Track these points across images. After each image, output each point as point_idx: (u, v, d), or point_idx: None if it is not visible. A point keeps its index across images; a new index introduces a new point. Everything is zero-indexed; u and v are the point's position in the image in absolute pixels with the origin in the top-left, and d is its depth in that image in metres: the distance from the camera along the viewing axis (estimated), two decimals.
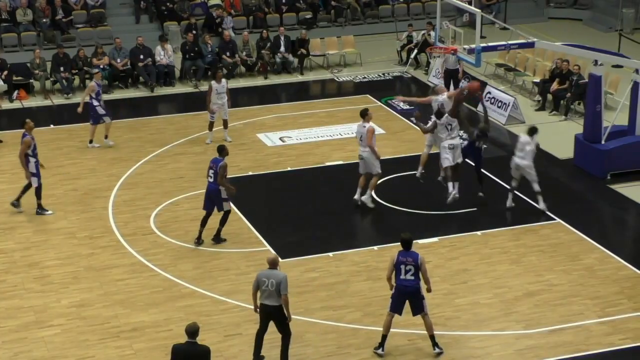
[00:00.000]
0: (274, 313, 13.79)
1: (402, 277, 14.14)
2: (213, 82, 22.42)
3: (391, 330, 14.99)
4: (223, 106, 22.38)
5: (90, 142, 22.48)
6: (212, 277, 16.76)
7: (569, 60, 24.95)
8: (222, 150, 17.71)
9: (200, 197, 19.92)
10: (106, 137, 22.60)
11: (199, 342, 12.18)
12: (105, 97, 26.07)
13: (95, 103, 22.32)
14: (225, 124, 22.66)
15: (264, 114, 24.88)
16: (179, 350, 12.19)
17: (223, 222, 17.88)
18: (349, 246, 17.89)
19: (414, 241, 17.69)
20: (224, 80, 22.56)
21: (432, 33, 26.98)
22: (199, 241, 17.80)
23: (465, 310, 15.78)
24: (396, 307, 14.29)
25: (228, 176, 17.67)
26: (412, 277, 14.10)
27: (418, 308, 14.29)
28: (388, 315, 14.36)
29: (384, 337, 14.41)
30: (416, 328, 15.18)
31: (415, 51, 28.49)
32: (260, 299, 13.81)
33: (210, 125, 22.61)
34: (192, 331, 12.12)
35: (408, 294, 14.20)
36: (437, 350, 14.48)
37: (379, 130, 22.94)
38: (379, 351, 14.44)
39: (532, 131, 18.93)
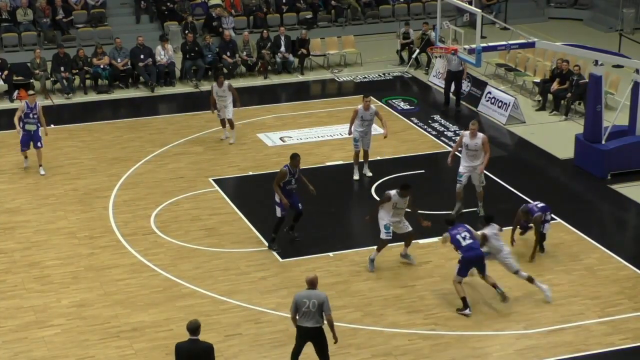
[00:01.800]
0: (313, 335, 13.38)
1: (464, 244, 15.52)
2: (214, 85, 22.35)
3: (391, 330, 15.05)
4: (226, 107, 22.28)
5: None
6: (212, 277, 16.76)
7: (569, 60, 24.95)
8: (292, 158, 17.58)
9: (201, 197, 19.96)
10: (40, 165, 21.01)
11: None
12: (106, 97, 26.13)
13: (20, 125, 20.74)
14: (230, 123, 22.53)
15: (264, 114, 24.87)
16: (182, 348, 12.19)
17: (274, 228, 17.64)
18: (349, 246, 17.89)
19: (416, 240, 17.84)
20: (225, 83, 22.28)
21: (432, 33, 27.00)
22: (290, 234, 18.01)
23: None
24: (464, 273, 15.69)
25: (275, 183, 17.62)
26: (472, 240, 15.56)
27: (483, 270, 15.74)
28: (457, 281, 15.61)
29: (464, 298, 15.60)
30: (417, 328, 15.21)
31: (417, 51, 28.46)
32: (298, 322, 13.46)
33: (222, 123, 22.61)
34: (194, 328, 12.12)
35: (476, 260, 15.61)
36: (500, 291, 15.80)
37: (379, 130, 22.96)
38: (466, 311, 15.52)
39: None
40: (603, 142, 21.03)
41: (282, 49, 28.20)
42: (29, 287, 16.45)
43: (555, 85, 24.89)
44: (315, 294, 13.31)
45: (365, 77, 28.07)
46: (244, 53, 28.00)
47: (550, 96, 25.09)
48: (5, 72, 25.96)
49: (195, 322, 12.16)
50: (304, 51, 28.27)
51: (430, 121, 24.39)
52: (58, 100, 26.05)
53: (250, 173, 21.15)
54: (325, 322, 13.34)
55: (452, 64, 24.78)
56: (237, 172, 21.21)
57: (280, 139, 22.98)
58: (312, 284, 13.45)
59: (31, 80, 26.39)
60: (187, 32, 28.12)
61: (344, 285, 16.54)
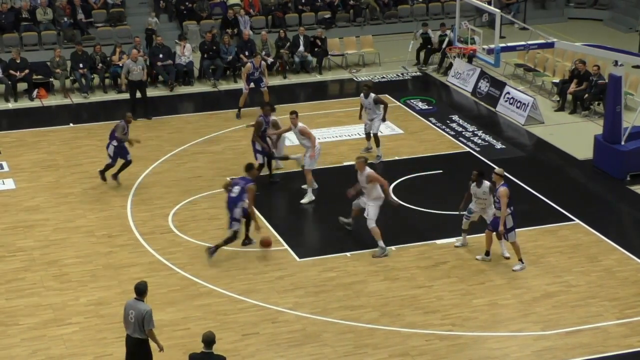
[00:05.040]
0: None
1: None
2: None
3: (409, 330, 15.05)
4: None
5: None
6: (229, 276, 16.79)
7: (586, 62, 24.85)
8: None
9: (218, 196, 19.97)
10: None
11: (214, 352, 12.21)
12: (125, 95, 26.18)
13: None
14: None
15: (282, 113, 24.82)
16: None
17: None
18: (367, 246, 17.86)
19: (434, 241, 17.84)
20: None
21: (450, 33, 26.95)
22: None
23: (483, 310, 15.74)
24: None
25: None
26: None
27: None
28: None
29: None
30: (434, 328, 15.18)
31: (440, 54, 28.35)
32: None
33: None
34: (209, 341, 12.13)
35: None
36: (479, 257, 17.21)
37: (397, 130, 22.99)
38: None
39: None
40: (622, 142, 20.93)
41: (301, 48, 28.20)
42: (48, 285, 16.53)
43: (572, 86, 24.79)
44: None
45: (383, 77, 28.04)
46: (263, 52, 28.01)
47: (569, 97, 24.99)
48: (25, 71, 26.05)
49: (211, 335, 12.17)
50: (320, 49, 28.18)
51: (448, 121, 24.33)
52: (77, 99, 26.15)
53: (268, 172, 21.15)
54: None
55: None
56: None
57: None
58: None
59: (51, 79, 26.52)
60: (208, 32, 28.16)
61: (361, 285, 16.53)
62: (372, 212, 17.40)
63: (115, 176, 20.36)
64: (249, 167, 17.87)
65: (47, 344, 14.79)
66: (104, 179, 20.35)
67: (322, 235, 18.42)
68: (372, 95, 21.33)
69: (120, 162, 20.31)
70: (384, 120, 21.48)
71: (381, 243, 17.49)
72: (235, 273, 16.90)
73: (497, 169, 17.11)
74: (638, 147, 20.83)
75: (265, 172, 20.52)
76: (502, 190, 16.58)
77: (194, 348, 13.04)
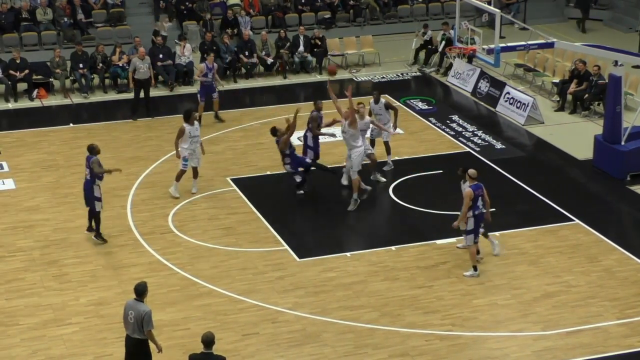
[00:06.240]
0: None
1: (481, 206, 16.48)
2: (185, 125, 19.37)
3: (409, 330, 15.04)
4: (195, 152, 19.67)
5: None
6: (229, 276, 16.79)
7: (586, 62, 24.85)
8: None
9: (218, 197, 19.99)
10: None
11: (214, 352, 12.21)
12: (125, 95, 26.20)
13: None
14: (195, 172, 19.90)
15: (282, 114, 24.82)
16: None
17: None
18: (367, 246, 17.88)
19: (434, 241, 17.85)
20: (196, 122, 19.80)
21: (451, 31, 26.94)
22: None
23: (483, 311, 15.75)
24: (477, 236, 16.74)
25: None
26: (482, 204, 16.58)
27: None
28: (476, 246, 16.70)
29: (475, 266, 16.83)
30: (434, 328, 15.19)
31: (438, 53, 28.34)
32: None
33: (180, 175, 19.75)
34: (208, 341, 12.13)
35: (483, 220, 16.68)
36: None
37: (397, 130, 22.91)
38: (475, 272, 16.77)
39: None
40: (622, 143, 20.93)
41: (301, 48, 28.21)
42: (48, 285, 16.54)
43: (572, 86, 24.79)
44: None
45: (383, 77, 28.05)
46: (263, 53, 28.02)
47: (569, 97, 24.99)
48: (25, 71, 26.05)
49: (210, 335, 12.18)
50: (320, 48, 28.14)
51: (448, 121, 24.34)
52: (77, 99, 26.15)
53: (269, 173, 21.16)
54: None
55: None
56: (255, 172, 21.23)
57: (298, 138, 22.94)
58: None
59: (50, 79, 26.52)
60: (205, 30, 28.13)
61: (361, 285, 16.54)
62: (356, 161, 18.81)
63: (98, 235, 18.04)
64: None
65: (47, 344, 14.79)
66: (99, 237, 18.01)
67: (322, 235, 18.41)
68: (383, 100, 20.88)
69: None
70: (395, 127, 20.93)
71: (355, 196, 18.87)
72: (235, 273, 16.91)
73: (470, 170, 16.76)
74: (638, 147, 20.83)
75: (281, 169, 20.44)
76: (467, 190, 16.52)
77: (194, 348, 13.05)
